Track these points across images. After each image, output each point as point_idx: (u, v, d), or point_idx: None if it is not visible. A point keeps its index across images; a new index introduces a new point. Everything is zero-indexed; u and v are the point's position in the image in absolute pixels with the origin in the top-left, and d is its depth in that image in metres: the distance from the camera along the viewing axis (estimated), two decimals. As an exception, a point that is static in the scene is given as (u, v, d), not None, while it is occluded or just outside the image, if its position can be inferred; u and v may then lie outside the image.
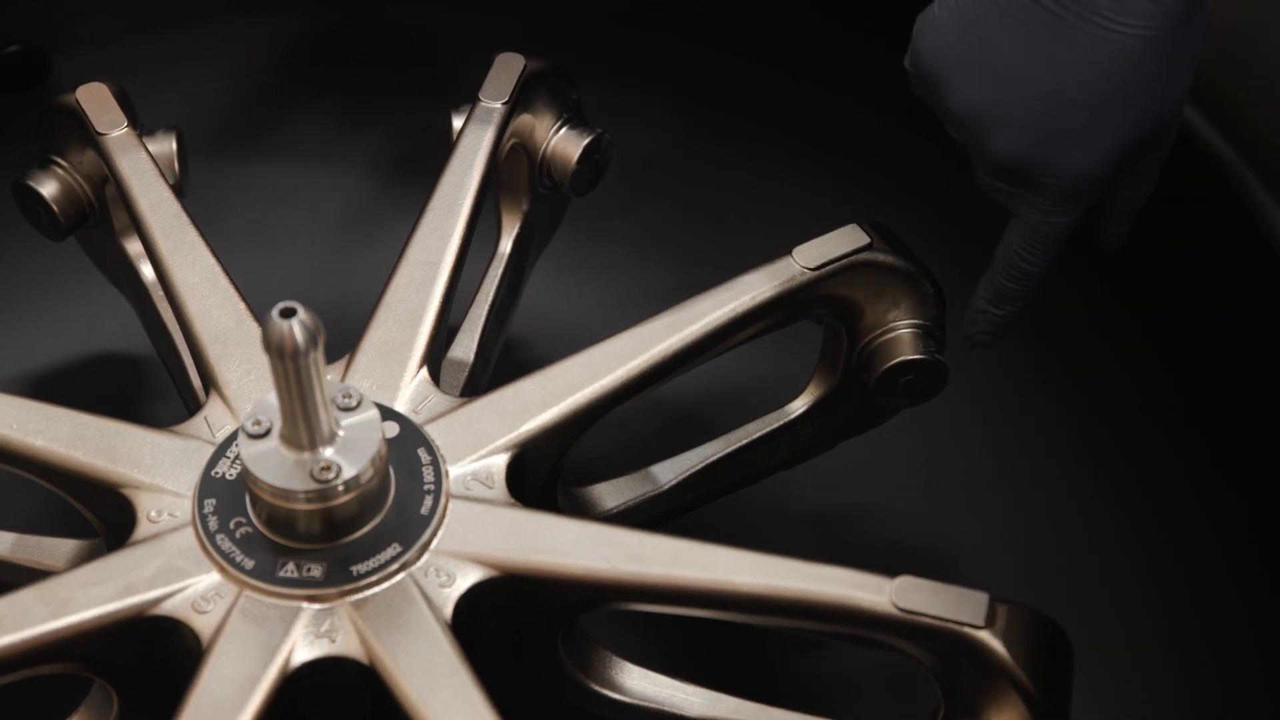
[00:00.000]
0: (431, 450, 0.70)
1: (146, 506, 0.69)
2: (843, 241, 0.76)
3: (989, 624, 0.63)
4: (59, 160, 0.87)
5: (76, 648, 0.65)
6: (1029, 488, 0.93)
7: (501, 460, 0.71)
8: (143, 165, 0.81)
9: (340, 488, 0.65)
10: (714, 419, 0.93)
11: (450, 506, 0.68)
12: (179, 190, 0.88)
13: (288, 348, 0.60)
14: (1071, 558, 0.90)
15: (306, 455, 0.65)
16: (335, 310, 0.77)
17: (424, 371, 0.74)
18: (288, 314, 0.61)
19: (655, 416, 0.94)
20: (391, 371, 0.74)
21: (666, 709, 0.72)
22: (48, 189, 0.87)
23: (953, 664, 0.65)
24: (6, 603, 0.65)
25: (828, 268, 0.76)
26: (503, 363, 0.88)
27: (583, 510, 0.79)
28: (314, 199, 1.06)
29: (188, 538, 0.67)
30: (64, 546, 0.78)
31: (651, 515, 0.80)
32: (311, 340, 0.61)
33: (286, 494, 0.65)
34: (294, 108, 1.07)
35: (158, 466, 0.70)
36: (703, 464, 0.82)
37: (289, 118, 1.08)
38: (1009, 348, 0.87)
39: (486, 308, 0.87)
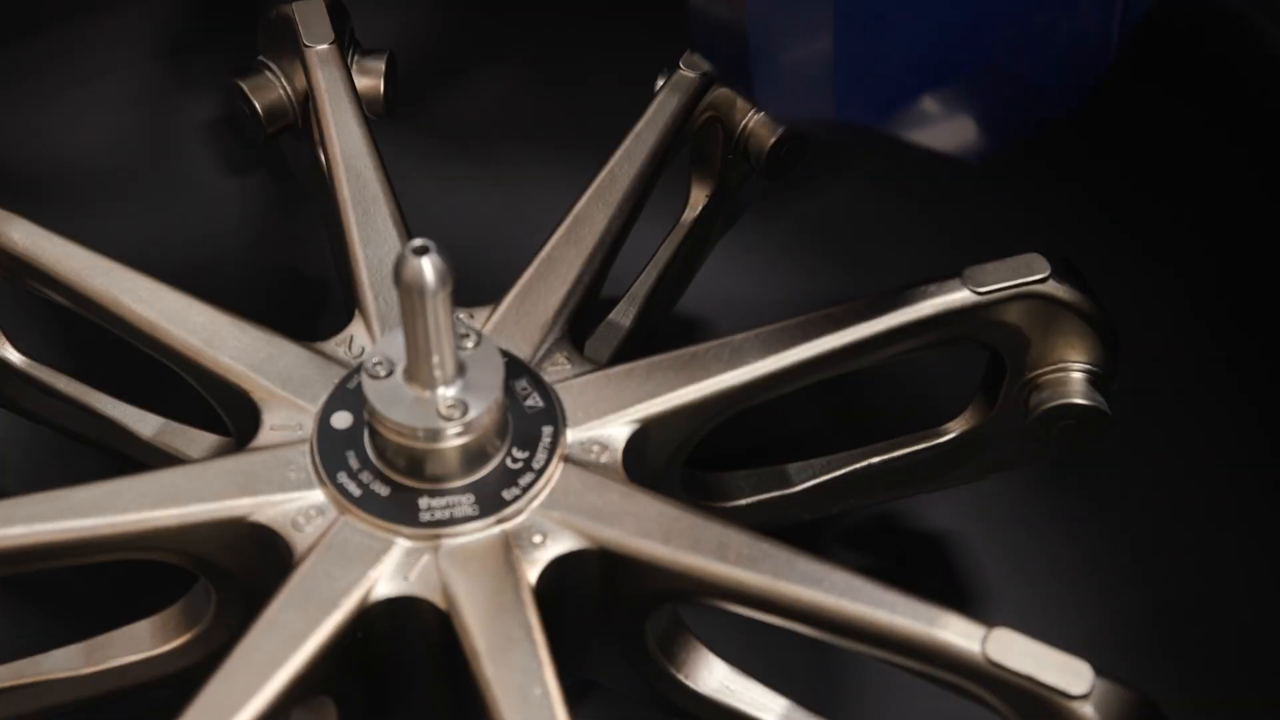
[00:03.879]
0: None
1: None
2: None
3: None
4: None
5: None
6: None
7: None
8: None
9: (455, 429, 0.65)
10: (876, 424, 0.90)
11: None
12: (384, 112, 0.90)
13: (416, 285, 0.61)
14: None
15: (427, 393, 0.65)
16: (501, 246, 0.77)
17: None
18: (420, 251, 0.61)
19: (815, 410, 0.92)
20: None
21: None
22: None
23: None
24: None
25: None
26: (662, 335, 0.87)
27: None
28: (510, 135, 1.05)
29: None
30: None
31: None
32: (440, 280, 0.61)
33: (400, 429, 0.65)
34: (501, 54, 1.06)
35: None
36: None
37: (496, 63, 1.07)
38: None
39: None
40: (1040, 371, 0.76)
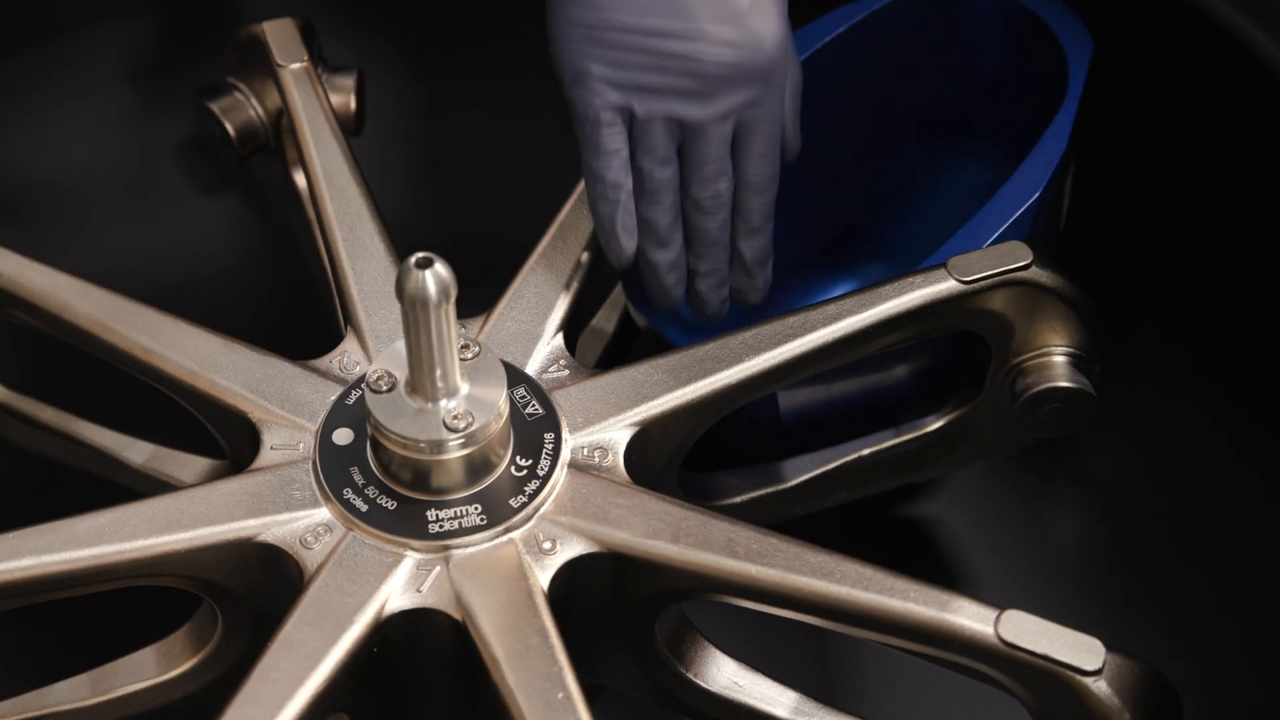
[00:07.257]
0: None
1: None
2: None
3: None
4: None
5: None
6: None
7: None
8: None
9: (459, 440, 0.65)
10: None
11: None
12: (354, 128, 0.90)
13: (420, 298, 0.61)
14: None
15: (430, 405, 0.65)
16: (483, 257, 0.78)
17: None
18: (424, 264, 0.61)
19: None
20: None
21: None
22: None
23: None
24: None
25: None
26: (646, 339, 0.88)
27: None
28: (487, 140, 1.04)
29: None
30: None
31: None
32: (444, 293, 0.61)
33: (404, 442, 0.65)
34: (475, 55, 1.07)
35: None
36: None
37: (471, 60, 1.07)
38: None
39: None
40: (1025, 357, 0.77)
